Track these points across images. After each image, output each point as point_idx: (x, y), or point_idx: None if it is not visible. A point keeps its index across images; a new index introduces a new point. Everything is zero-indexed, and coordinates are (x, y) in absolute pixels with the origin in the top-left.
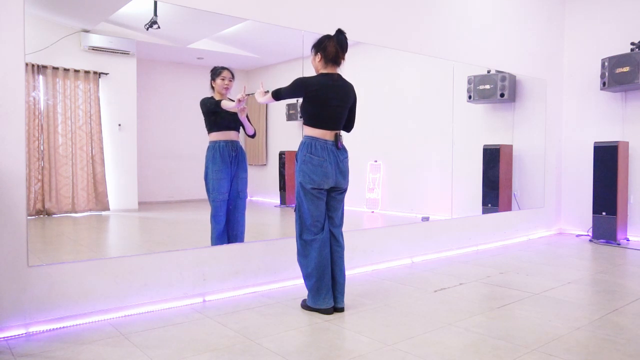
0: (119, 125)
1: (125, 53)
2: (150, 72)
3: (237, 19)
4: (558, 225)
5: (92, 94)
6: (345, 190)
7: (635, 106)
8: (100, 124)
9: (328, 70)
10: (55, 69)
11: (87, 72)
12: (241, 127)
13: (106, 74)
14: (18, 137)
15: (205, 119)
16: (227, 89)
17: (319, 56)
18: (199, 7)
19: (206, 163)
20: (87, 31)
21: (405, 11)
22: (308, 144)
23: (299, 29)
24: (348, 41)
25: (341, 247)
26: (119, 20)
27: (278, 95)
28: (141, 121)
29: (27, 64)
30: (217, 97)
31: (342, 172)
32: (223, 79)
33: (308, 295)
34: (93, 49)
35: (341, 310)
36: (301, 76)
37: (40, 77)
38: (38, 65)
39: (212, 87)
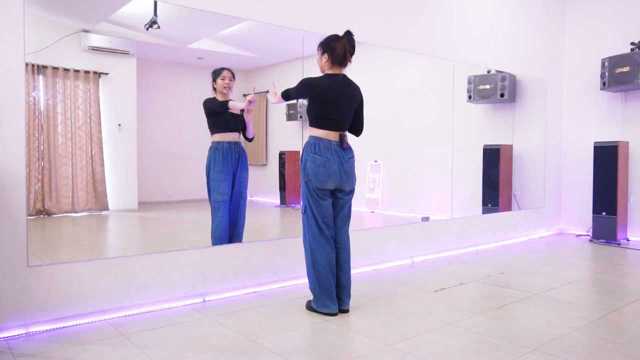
0: (119, 125)
1: (125, 53)
2: (150, 72)
3: (237, 19)
4: (558, 225)
5: (92, 94)
6: (351, 192)
7: (635, 106)
8: (100, 124)
9: (334, 71)
10: (55, 69)
11: (87, 72)
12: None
13: (106, 74)
14: (18, 137)
15: (207, 120)
16: (228, 88)
17: (325, 56)
18: (199, 7)
19: (208, 163)
20: (87, 31)
21: (406, 11)
22: (312, 143)
23: (299, 29)
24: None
25: (345, 249)
26: (119, 20)
27: (287, 95)
28: (141, 121)
29: (27, 64)
30: (219, 98)
31: (347, 172)
32: (223, 79)
33: (312, 297)
34: (93, 49)
35: (346, 311)
36: (307, 77)
37: (40, 77)
38: (38, 65)
39: (214, 89)
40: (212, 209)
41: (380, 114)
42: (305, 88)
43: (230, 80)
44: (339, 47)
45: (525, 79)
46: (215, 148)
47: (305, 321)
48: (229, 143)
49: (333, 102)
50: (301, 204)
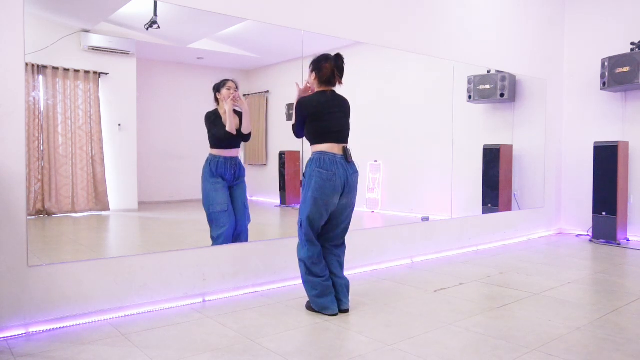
0: (119, 125)
1: (125, 53)
2: (150, 72)
3: (237, 19)
4: (558, 225)
5: (92, 94)
6: (352, 206)
7: (635, 106)
8: (100, 124)
9: (322, 89)
10: (55, 69)
11: (87, 72)
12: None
13: (106, 74)
14: (18, 137)
15: (208, 133)
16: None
17: (314, 75)
18: (199, 7)
19: (203, 174)
20: (87, 31)
21: (406, 11)
22: (317, 159)
23: (299, 29)
24: (348, 41)
25: (341, 256)
26: (119, 20)
27: (294, 131)
28: (141, 121)
29: (27, 64)
30: (222, 109)
31: (351, 186)
32: (229, 89)
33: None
34: (93, 49)
35: (346, 311)
36: (298, 99)
37: (40, 77)
38: (38, 65)
39: (216, 100)
40: (212, 221)
41: (380, 114)
42: (300, 107)
43: (235, 90)
44: (326, 68)
45: (525, 79)
46: (210, 160)
47: (305, 321)
48: (226, 158)
49: (329, 116)
50: (298, 219)
